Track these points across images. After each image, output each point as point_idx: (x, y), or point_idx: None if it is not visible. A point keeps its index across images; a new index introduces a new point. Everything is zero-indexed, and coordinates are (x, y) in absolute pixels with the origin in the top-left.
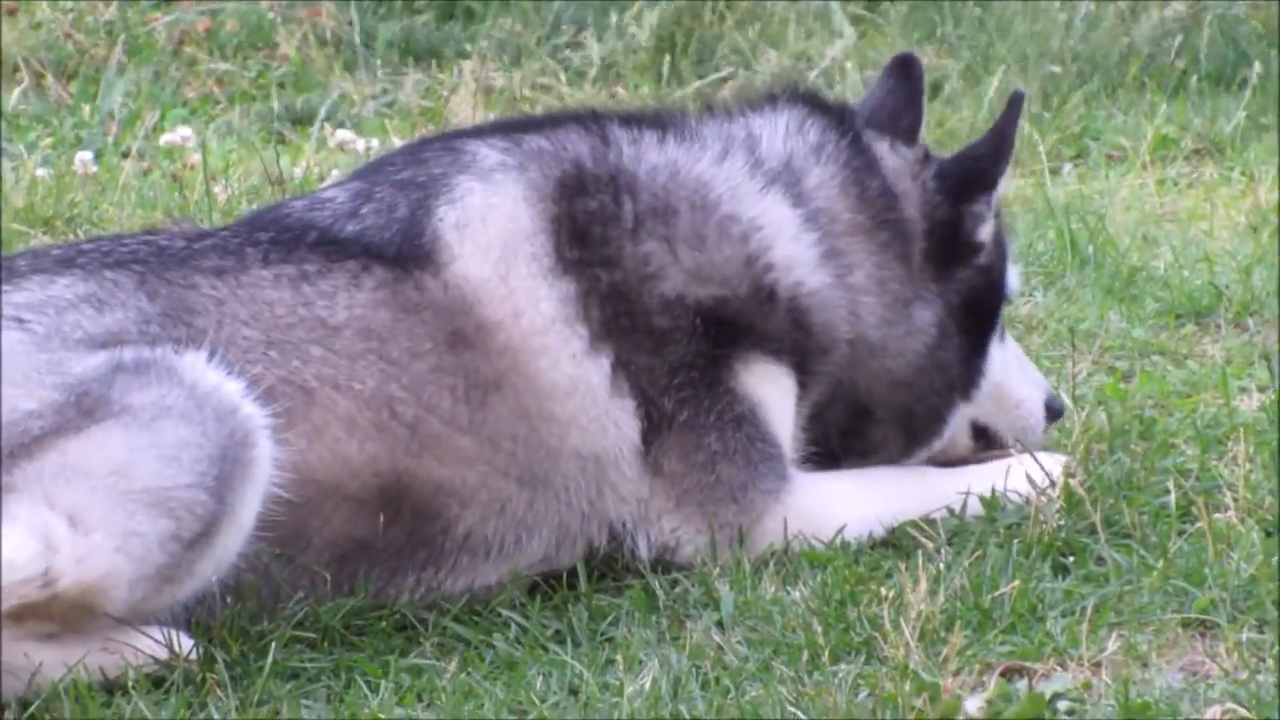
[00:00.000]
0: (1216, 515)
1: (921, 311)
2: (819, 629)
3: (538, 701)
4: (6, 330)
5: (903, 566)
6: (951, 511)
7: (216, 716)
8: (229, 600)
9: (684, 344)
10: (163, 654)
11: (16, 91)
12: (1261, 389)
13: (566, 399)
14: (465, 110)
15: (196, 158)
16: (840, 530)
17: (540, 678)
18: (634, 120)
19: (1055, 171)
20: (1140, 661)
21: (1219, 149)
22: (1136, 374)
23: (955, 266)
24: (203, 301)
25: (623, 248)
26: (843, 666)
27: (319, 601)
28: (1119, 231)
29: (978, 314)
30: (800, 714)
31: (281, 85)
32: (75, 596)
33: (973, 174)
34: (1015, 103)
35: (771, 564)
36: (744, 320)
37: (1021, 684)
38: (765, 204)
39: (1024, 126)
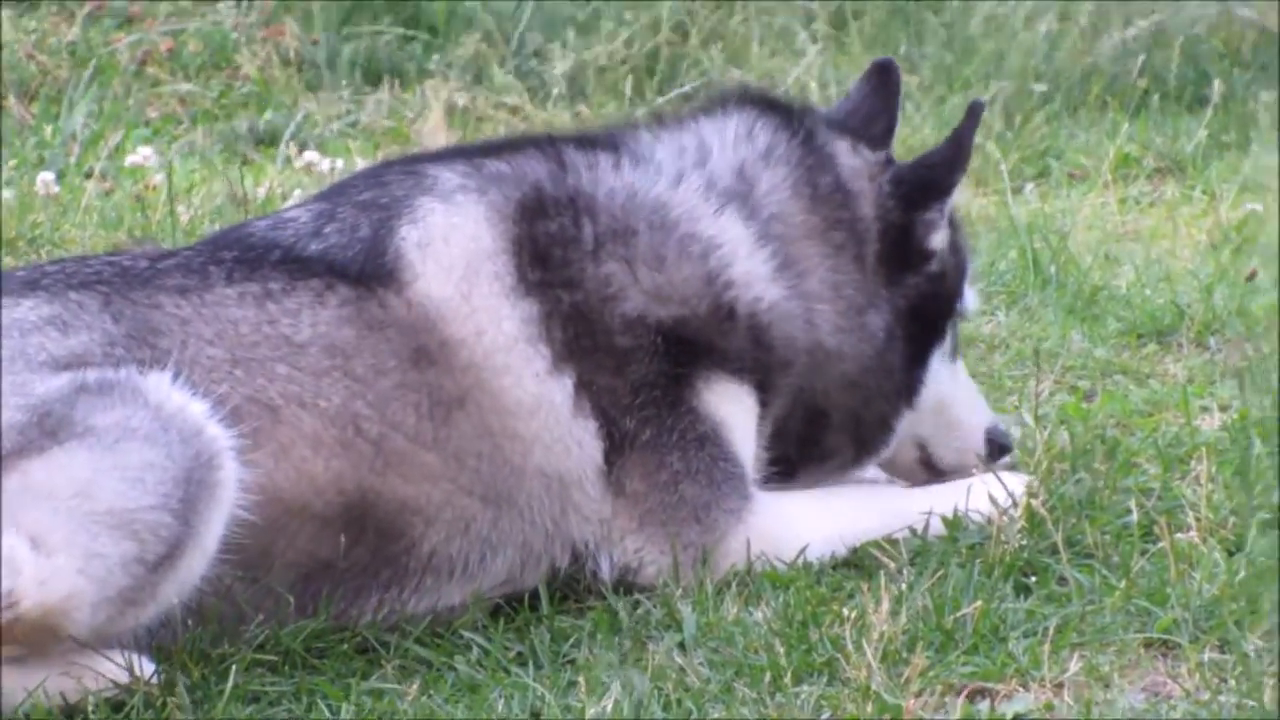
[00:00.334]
0: (1179, 535)
1: (873, 316)
2: (781, 650)
3: None
4: None
5: (865, 587)
6: (914, 531)
7: None
8: (190, 623)
9: (646, 363)
10: (123, 678)
11: None
12: (1223, 408)
13: (530, 418)
14: (430, 130)
15: (159, 178)
16: (803, 550)
17: (502, 700)
18: (589, 143)
19: (1017, 190)
20: (1102, 682)
21: (1181, 168)
22: (1099, 393)
23: (906, 273)
24: (167, 321)
25: (584, 269)
26: (805, 688)
27: (280, 624)
28: (1081, 250)
29: (924, 322)
30: None
31: (244, 105)
32: (37, 619)
33: (927, 181)
34: (974, 112)
35: (734, 585)
36: (705, 339)
37: (984, 705)
38: (722, 222)
39: (987, 145)
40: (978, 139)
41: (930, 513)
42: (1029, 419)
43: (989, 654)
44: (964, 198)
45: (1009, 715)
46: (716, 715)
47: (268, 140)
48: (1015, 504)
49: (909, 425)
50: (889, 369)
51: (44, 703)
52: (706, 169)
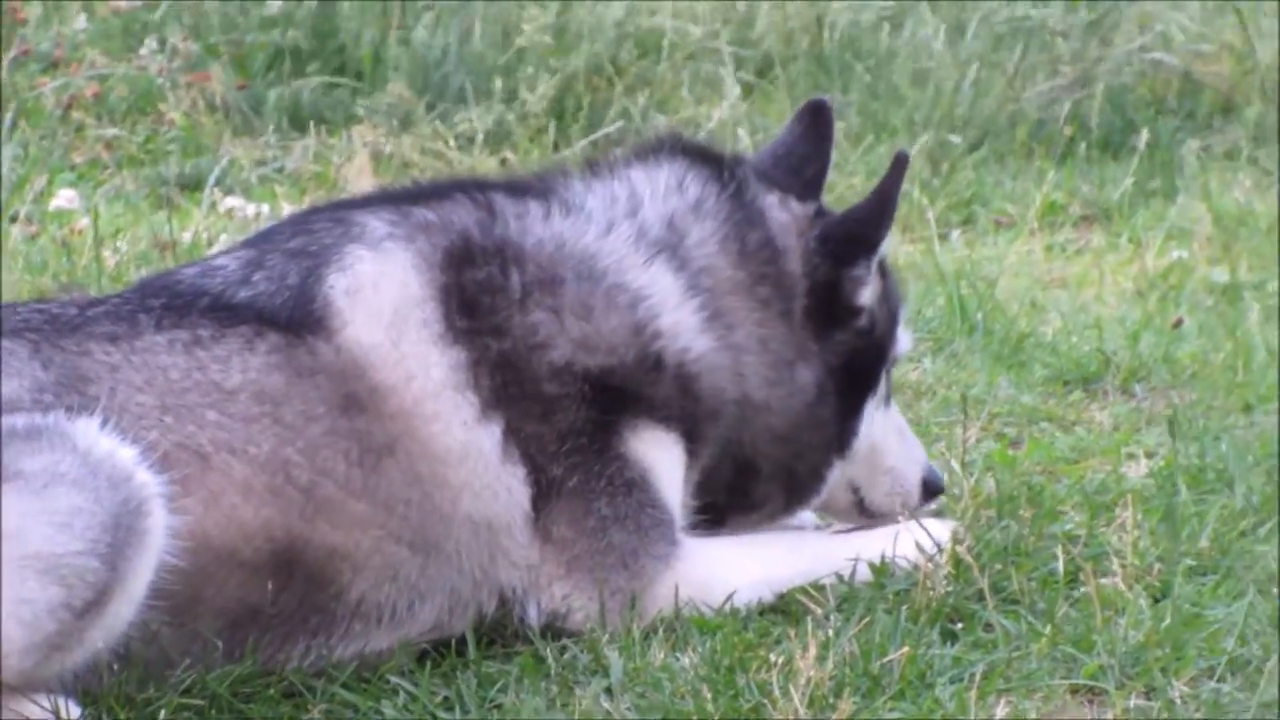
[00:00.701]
0: (1104, 581)
1: (803, 370)
2: (708, 695)
3: None
4: None
5: (792, 633)
6: (840, 577)
7: None
8: (117, 667)
9: (573, 411)
10: None
11: None
12: (1149, 455)
13: (459, 465)
14: (355, 175)
15: (85, 222)
16: (730, 596)
17: None
18: (520, 189)
19: (944, 237)
20: None
21: (1107, 215)
22: (1025, 440)
23: (835, 328)
24: (96, 368)
25: (511, 317)
26: None
27: (208, 668)
28: (1008, 298)
29: (856, 375)
30: None
31: (170, 150)
32: None
33: (854, 236)
34: (898, 164)
35: (661, 630)
36: (632, 387)
37: None
38: (651, 273)
39: (913, 192)
40: (905, 185)
41: (857, 559)
42: (956, 466)
43: (915, 700)
44: (891, 245)
45: None
46: None
47: (193, 185)
48: (941, 550)
49: (842, 471)
50: (820, 422)
51: None
52: (637, 219)
